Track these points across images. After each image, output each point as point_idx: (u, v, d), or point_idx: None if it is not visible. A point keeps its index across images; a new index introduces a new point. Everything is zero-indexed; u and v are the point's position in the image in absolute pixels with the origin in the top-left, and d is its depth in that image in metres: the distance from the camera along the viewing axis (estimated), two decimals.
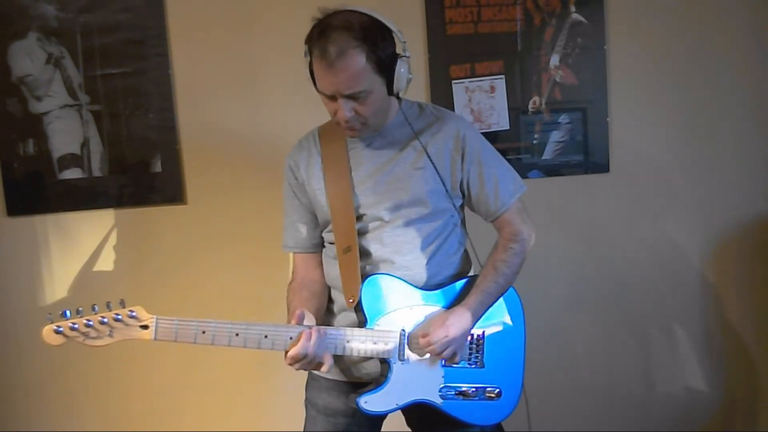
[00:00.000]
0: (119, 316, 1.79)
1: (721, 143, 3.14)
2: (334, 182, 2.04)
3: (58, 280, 3.08)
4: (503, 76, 3.04)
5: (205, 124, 3.02)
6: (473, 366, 2.06)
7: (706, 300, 3.22)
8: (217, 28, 2.99)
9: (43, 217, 3.04)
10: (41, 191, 3.01)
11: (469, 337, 2.04)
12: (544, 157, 3.10)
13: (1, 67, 2.94)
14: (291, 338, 1.87)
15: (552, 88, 3.06)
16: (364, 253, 2.03)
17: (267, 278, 2.77)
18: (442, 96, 3.02)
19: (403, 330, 1.97)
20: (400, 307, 1.99)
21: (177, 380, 3.15)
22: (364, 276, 1.99)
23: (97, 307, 1.78)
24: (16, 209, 3.03)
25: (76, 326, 1.75)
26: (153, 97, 2.98)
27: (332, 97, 1.89)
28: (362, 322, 1.98)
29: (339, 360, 2.07)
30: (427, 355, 1.97)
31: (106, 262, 3.08)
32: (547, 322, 3.09)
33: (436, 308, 2.02)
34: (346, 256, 2.00)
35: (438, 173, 2.01)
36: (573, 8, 3.03)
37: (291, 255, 2.20)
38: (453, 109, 2.98)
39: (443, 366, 2.02)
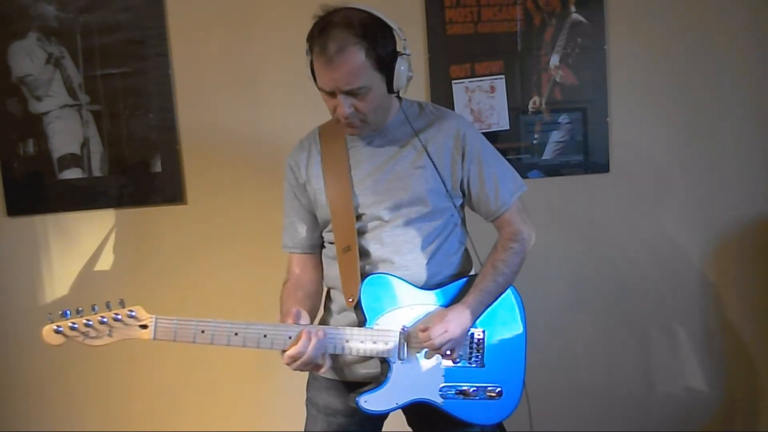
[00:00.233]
0: (119, 316, 1.79)
1: (721, 143, 3.14)
2: (333, 181, 2.04)
3: (58, 280, 3.08)
4: (503, 76, 3.05)
5: (205, 124, 3.02)
6: (474, 365, 2.05)
7: (706, 300, 3.22)
8: (217, 28, 2.99)
9: (43, 217, 3.05)
10: (41, 191, 3.01)
11: (469, 337, 2.03)
12: (544, 157, 3.10)
13: (1, 67, 2.94)
14: (290, 337, 1.87)
15: (552, 88, 3.06)
16: (364, 253, 2.02)
17: (267, 278, 2.75)
18: (442, 96, 3.02)
19: (403, 329, 1.97)
20: (400, 306, 1.99)
21: (177, 380, 3.15)
22: (364, 275, 1.99)
23: (96, 307, 1.78)
24: (16, 209, 3.03)
25: (75, 326, 1.76)
26: (153, 97, 2.99)
27: (332, 94, 1.89)
28: (362, 322, 1.97)
29: (340, 360, 2.07)
30: (426, 350, 1.97)
31: (106, 262, 3.09)
32: (547, 322, 3.09)
33: (435, 307, 2.02)
34: (346, 255, 2.00)
35: (438, 172, 2.01)
36: (573, 8, 3.03)
37: (288, 255, 2.20)
38: (453, 109, 2.97)
39: (443, 365, 2.02)
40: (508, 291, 2.10)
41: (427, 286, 2.03)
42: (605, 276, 3.19)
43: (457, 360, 2.02)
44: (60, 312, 1.77)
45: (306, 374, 2.22)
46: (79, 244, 3.07)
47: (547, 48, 3.04)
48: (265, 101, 3.02)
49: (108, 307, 1.80)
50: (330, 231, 2.07)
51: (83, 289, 3.07)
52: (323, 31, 1.84)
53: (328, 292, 2.19)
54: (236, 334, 1.87)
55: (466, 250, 2.18)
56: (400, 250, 2.01)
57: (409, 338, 1.98)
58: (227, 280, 3.06)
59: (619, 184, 3.14)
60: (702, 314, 3.23)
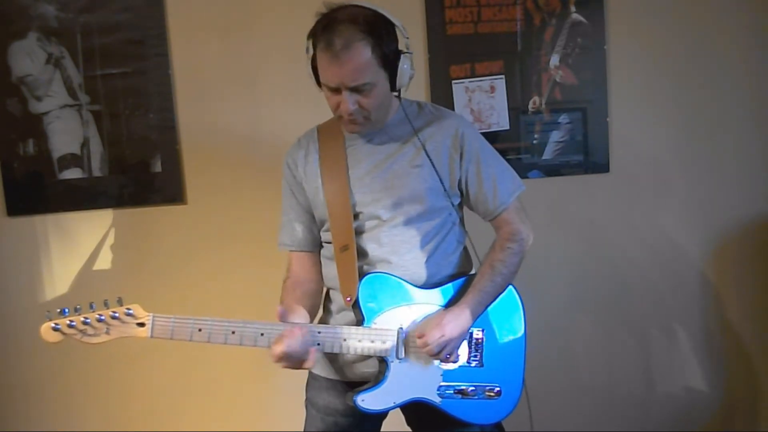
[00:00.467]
0: (116, 314, 1.80)
1: (721, 143, 3.14)
2: (331, 180, 2.03)
3: (58, 280, 3.08)
4: (503, 76, 3.05)
5: (205, 124, 3.02)
6: (473, 365, 2.05)
7: (706, 300, 3.22)
8: (217, 28, 2.99)
9: (43, 217, 3.05)
10: (41, 191, 3.01)
11: (468, 336, 2.03)
12: (544, 157, 3.10)
13: (1, 67, 2.94)
14: None
15: (552, 88, 3.06)
16: (362, 253, 2.02)
17: (267, 278, 2.75)
18: (442, 96, 3.02)
19: (401, 328, 1.97)
20: (398, 305, 1.99)
21: (177, 380, 3.15)
22: (362, 275, 1.98)
23: (94, 305, 1.79)
24: (16, 209, 3.03)
25: (73, 324, 1.76)
26: (153, 97, 2.99)
27: (336, 90, 1.89)
28: (360, 321, 1.97)
29: (339, 360, 2.08)
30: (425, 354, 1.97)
31: (106, 262, 3.09)
32: (547, 322, 3.08)
33: (434, 307, 2.02)
34: (344, 254, 2.00)
35: (436, 171, 2.01)
36: (573, 8, 3.03)
37: (288, 253, 2.20)
38: (453, 109, 2.97)
39: (442, 366, 2.02)
40: (509, 290, 2.10)
41: (426, 286, 2.03)
42: (605, 276, 3.19)
43: (456, 361, 2.02)
44: (58, 310, 1.78)
45: (305, 374, 2.22)
46: (79, 245, 3.08)
47: (547, 48, 3.04)
48: (265, 101, 3.03)
49: (106, 305, 1.80)
50: (327, 230, 2.07)
51: (83, 289, 3.07)
52: (328, 28, 1.84)
53: (327, 293, 2.19)
54: (233, 332, 1.87)
55: (465, 249, 2.17)
56: (398, 250, 2.01)
57: (407, 341, 1.98)
58: (227, 280, 3.07)
59: (619, 184, 3.13)
60: (702, 314, 3.23)
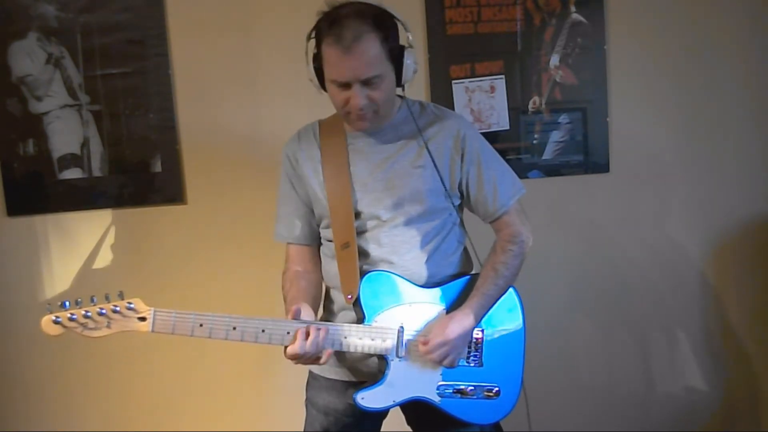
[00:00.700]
0: (117, 308, 1.79)
1: (721, 143, 3.14)
2: (332, 178, 2.03)
3: (58, 281, 3.08)
4: (503, 76, 3.05)
5: (205, 124, 3.02)
6: (472, 365, 2.05)
7: (706, 300, 3.22)
8: (217, 28, 2.99)
9: (43, 217, 3.04)
10: (41, 191, 3.01)
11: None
12: (544, 157, 3.10)
13: (1, 67, 2.94)
14: (288, 333, 1.86)
15: (552, 88, 3.06)
16: (362, 253, 2.02)
17: (267, 278, 2.75)
18: (442, 96, 3.02)
19: (401, 327, 1.97)
20: (399, 304, 1.99)
21: (177, 380, 3.15)
22: (363, 274, 1.98)
23: (95, 299, 1.79)
24: (16, 209, 3.03)
25: (74, 317, 1.76)
26: (153, 97, 2.99)
27: (345, 86, 1.88)
28: (360, 319, 1.98)
29: (340, 359, 2.08)
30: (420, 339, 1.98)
31: (106, 263, 3.08)
32: (547, 322, 3.08)
33: (435, 306, 2.02)
34: (345, 252, 2.00)
35: (438, 172, 2.01)
36: (573, 8, 3.03)
37: (285, 246, 2.19)
38: (453, 109, 2.96)
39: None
40: (509, 290, 2.10)
41: (426, 286, 2.03)
42: (605, 276, 3.19)
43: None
44: (59, 303, 1.77)
45: (306, 374, 2.22)
46: (79, 245, 3.07)
47: (547, 48, 3.04)
48: (265, 101, 3.02)
49: (107, 299, 1.80)
50: (327, 227, 2.07)
51: (83, 289, 3.00)
52: (336, 22, 1.84)
53: (327, 292, 2.18)
54: (234, 328, 1.87)
55: (465, 250, 2.18)
56: (398, 250, 2.01)
57: (410, 347, 1.98)
58: (227, 280, 3.06)
59: (619, 184, 3.14)
60: (702, 314, 3.23)
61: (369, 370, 2.04)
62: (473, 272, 2.15)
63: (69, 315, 1.76)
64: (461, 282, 2.07)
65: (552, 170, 3.11)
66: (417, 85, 2.94)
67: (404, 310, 1.99)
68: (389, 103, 1.98)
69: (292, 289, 2.06)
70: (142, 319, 1.82)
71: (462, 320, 1.96)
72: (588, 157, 3.11)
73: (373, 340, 1.95)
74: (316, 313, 2.03)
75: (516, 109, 3.06)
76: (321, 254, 2.16)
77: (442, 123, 2.05)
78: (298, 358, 1.86)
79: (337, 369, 2.10)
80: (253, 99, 3.03)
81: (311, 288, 2.09)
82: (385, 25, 1.88)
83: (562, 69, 3.06)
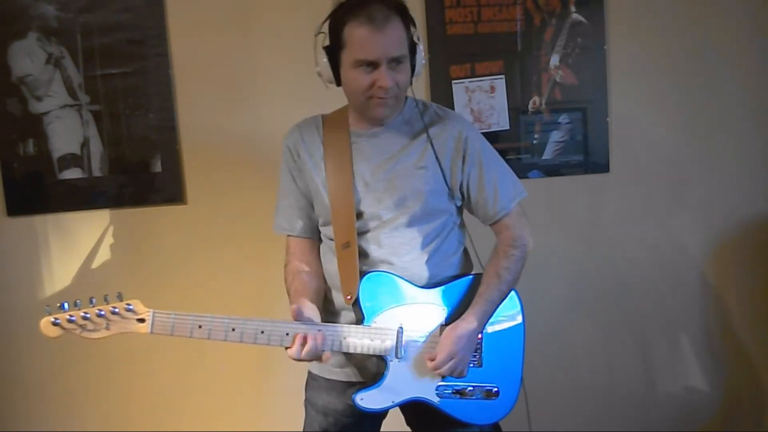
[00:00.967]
0: (116, 309, 1.79)
1: (721, 143, 3.14)
2: (335, 176, 2.02)
3: (58, 281, 3.08)
4: (503, 76, 3.04)
5: (205, 124, 3.02)
6: (471, 365, 2.04)
7: (706, 300, 3.22)
8: (217, 28, 2.99)
9: (43, 217, 3.04)
10: (41, 191, 3.01)
11: None
12: (544, 157, 3.10)
13: (1, 67, 2.94)
14: (287, 334, 1.86)
15: (552, 88, 3.06)
16: (363, 254, 2.01)
17: (267, 278, 2.76)
18: (442, 96, 3.02)
19: (401, 328, 1.97)
20: (399, 304, 1.99)
21: (177, 380, 3.15)
22: (362, 274, 1.98)
23: (94, 300, 1.78)
24: (16, 209, 3.03)
25: (73, 318, 1.76)
26: (153, 97, 2.98)
27: (372, 66, 1.88)
28: (360, 320, 1.97)
29: (339, 360, 2.08)
30: (423, 349, 1.99)
31: (106, 263, 3.08)
32: (547, 322, 3.08)
33: (434, 306, 2.02)
34: (345, 252, 1.99)
35: (441, 172, 2.02)
36: (573, 8, 3.03)
37: (286, 238, 2.18)
38: (453, 109, 2.96)
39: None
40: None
41: (427, 286, 2.03)
42: (605, 276, 3.19)
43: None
44: (58, 304, 1.77)
45: (305, 374, 2.22)
46: (79, 245, 3.07)
47: (547, 48, 3.04)
48: (265, 101, 3.02)
49: (106, 300, 1.80)
50: (327, 225, 2.06)
51: (83, 289, 3.03)
52: (363, 4, 1.86)
53: (327, 292, 2.17)
54: (233, 329, 1.86)
55: (465, 250, 2.18)
56: (398, 251, 2.01)
57: (417, 361, 1.99)
58: (227, 280, 3.06)
59: (619, 184, 3.14)
60: (702, 314, 3.23)
61: (368, 370, 2.04)
62: (473, 273, 2.15)
63: (68, 317, 1.75)
64: (461, 282, 2.07)
65: (552, 170, 3.11)
66: (417, 85, 2.91)
67: (404, 311, 1.99)
68: (405, 92, 1.99)
69: (294, 283, 2.06)
70: (141, 320, 1.82)
71: (466, 329, 1.97)
72: (588, 157, 3.11)
73: (372, 340, 1.95)
74: (319, 306, 2.02)
75: (516, 109, 3.06)
76: (321, 253, 2.15)
77: (444, 124, 2.05)
78: (300, 359, 1.87)
79: (337, 369, 2.10)
80: (253, 99, 3.03)
81: (313, 281, 2.08)
82: (406, 15, 1.91)
83: (562, 69, 3.06)
